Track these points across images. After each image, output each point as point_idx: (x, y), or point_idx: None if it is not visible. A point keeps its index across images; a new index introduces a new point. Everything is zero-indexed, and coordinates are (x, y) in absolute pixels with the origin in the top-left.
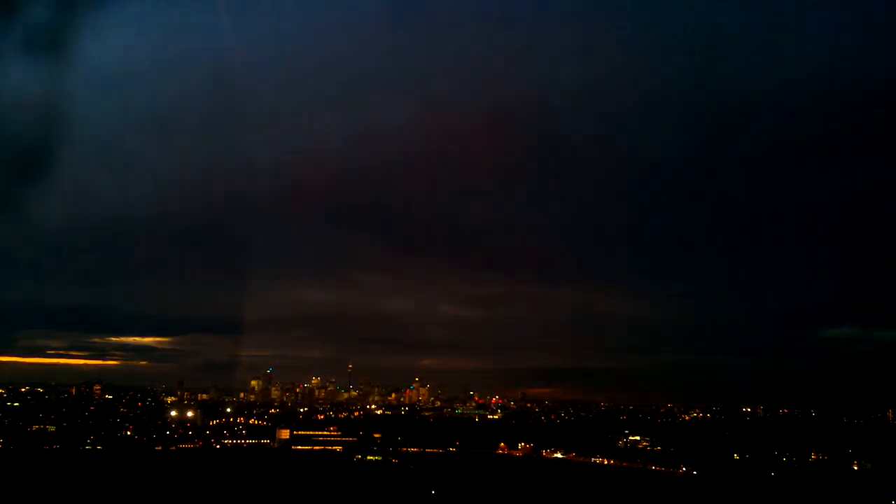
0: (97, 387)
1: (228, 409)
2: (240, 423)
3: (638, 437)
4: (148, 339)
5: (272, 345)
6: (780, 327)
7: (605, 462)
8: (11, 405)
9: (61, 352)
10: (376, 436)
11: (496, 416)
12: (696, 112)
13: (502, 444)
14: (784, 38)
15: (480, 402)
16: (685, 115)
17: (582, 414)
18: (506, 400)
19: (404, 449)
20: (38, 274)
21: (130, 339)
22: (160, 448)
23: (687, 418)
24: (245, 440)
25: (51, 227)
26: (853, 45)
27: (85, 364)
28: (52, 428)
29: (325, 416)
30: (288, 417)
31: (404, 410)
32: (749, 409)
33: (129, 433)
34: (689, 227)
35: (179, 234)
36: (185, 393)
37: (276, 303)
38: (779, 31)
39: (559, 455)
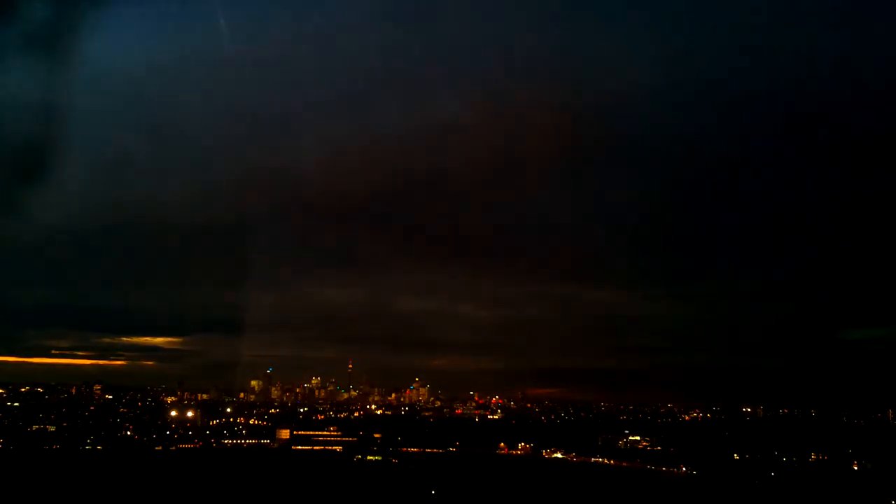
0: (97, 387)
1: (228, 409)
2: (240, 423)
3: (638, 437)
4: (158, 340)
5: (275, 345)
6: (783, 328)
7: (605, 462)
8: (11, 405)
9: (67, 352)
10: (376, 436)
11: (496, 416)
12: (714, 111)
13: (502, 444)
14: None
15: (480, 402)
16: (701, 113)
17: (582, 414)
18: (506, 400)
19: (404, 449)
20: (45, 274)
21: (142, 340)
22: (160, 448)
23: (687, 418)
24: (245, 440)
25: (61, 228)
26: None
27: (93, 364)
28: (52, 428)
29: (325, 416)
30: (288, 417)
31: (404, 410)
32: (749, 409)
33: (129, 433)
34: (693, 227)
35: (187, 235)
36: (185, 393)
37: (279, 303)
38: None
39: (559, 455)
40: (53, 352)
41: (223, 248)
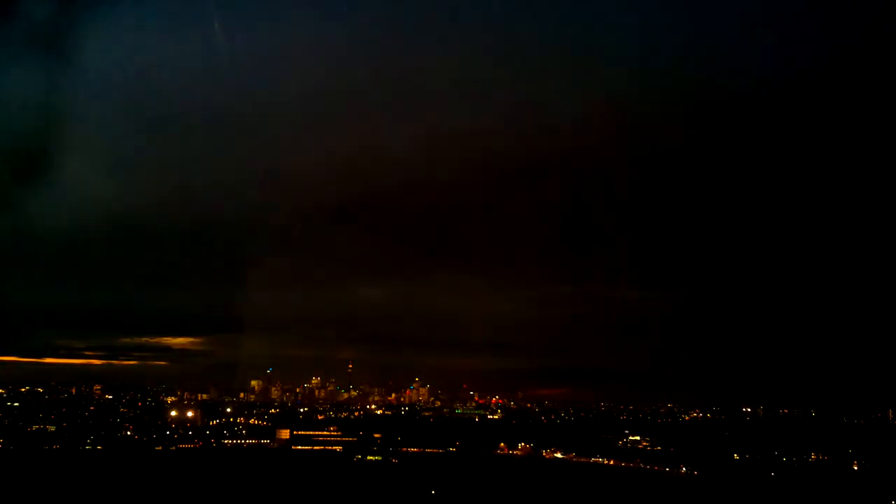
0: (97, 387)
1: (228, 409)
2: (240, 423)
3: (638, 437)
4: (180, 340)
5: (276, 344)
6: (779, 326)
7: (605, 462)
8: (11, 405)
9: (76, 351)
10: (376, 436)
11: (496, 416)
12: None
13: (502, 444)
14: None
15: (480, 402)
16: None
17: (582, 414)
18: (506, 400)
19: (404, 449)
20: (55, 275)
21: (164, 340)
22: (160, 448)
23: (687, 418)
24: (245, 440)
25: (70, 229)
26: None
27: (105, 364)
28: (52, 428)
29: (325, 416)
30: (288, 417)
31: (404, 410)
32: (749, 409)
33: (129, 433)
34: (694, 225)
35: (198, 235)
36: (185, 393)
37: (281, 303)
38: None
39: (559, 455)
40: (62, 352)
41: (235, 247)
